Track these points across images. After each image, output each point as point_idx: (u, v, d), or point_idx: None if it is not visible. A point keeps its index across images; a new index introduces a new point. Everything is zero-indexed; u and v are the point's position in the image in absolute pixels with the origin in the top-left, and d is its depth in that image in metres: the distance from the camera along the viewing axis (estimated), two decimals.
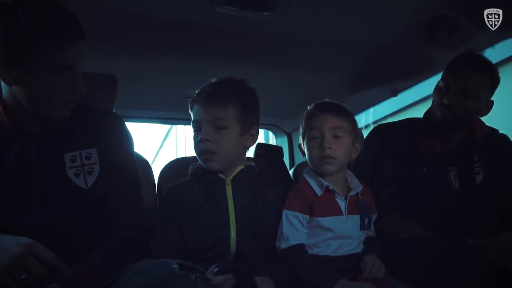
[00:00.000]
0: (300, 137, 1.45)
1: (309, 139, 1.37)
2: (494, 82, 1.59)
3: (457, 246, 1.29)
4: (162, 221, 1.33)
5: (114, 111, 1.76)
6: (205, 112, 1.31)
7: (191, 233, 1.30)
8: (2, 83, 1.14)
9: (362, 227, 1.36)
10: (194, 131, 1.36)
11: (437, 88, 1.64)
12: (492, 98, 1.62)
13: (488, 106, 1.63)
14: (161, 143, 18.34)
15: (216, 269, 1.08)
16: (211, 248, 1.28)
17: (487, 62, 1.59)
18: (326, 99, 1.46)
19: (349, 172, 1.43)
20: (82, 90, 1.15)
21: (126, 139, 1.33)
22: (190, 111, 1.37)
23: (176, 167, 1.69)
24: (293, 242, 1.29)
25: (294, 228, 1.31)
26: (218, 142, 1.30)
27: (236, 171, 1.38)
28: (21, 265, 0.92)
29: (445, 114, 1.58)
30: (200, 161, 1.37)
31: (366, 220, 1.37)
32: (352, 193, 1.37)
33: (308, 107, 1.44)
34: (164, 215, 1.34)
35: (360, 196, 1.40)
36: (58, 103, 1.14)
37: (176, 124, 2.75)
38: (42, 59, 1.06)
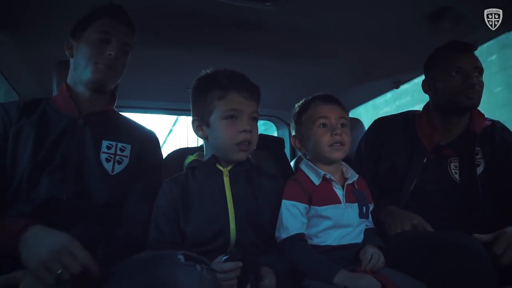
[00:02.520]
0: (297, 128, 1.47)
1: (317, 127, 1.39)
2: None
3: (458, 239, 1.30)
4: (159, 217, 1.32)
5: (116, 101, 1.77)
6: (248, 104, 1.32)
7: (190, 227, 1.29)
8: (71, 68, 1.39)
9: (361, 215, 1.37)
10: (226, 118, 1.31)
11: (449, 77, 1.63)
12: None
13: None
14: (168, 133, 18.51)
15: (226, 257, 1.09)
16: (212, 240, 1.28)
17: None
18: (319, 92, 1.49)
19: (344, 163, 1.46)
20: (113, 55, 1.32)
21: (157, 151, 1.52)
22: (216, 97, 1.32)
23: (177, 157, 1.69)
24: (293, 231, 1.30)
25: (293, 218, 1.32)
26: (254, 134, 1.34)
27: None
28: (58, 260, 0.97)
29: (473, 95, 1.60)
30: (229, 150, 1.32)
31: (364, 208, 1.39)
32: (349, 182, 1.40)
33: (304, 100, 1.48)
34: (161, 210, 1.33)
35: (356, 186, 1.42)
36: (97, 66, 1.32)
37: (179, 114, 2.75)
38: (86, 33, 1.33)
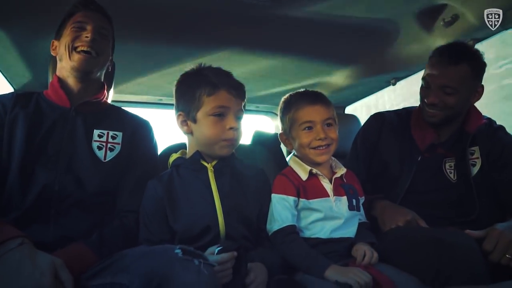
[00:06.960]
0: (283, 127, 1.47)
1: (302, 130, 1.39)
2: (477, 69, 1.56)
3: (451, 235, 1.30)
4: (147, 215, 1.31)
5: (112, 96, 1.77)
6: (235, 102, 1.34)
7: (179, 224, 1.28)
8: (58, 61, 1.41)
9: (351, 207, 1.38)
10: (214, 115, 1.32)
11: (421, 85, 1.63)
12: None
13: (478, 92, 1.61)
14: None
15: (219, 248, 1.10)
16: (201, 236, 1.27)
17: (465, 51, 1.56)
18: (315, 88, 1.47)
19: (333, 158, 1.45)
20: (89, 38, 1.34)
21: (150, 139, 1.50)
22: (205, 93, 1.33)
23: (162, 157, 1.65)
24: (284, 223, 1.31)
25: (284, 210, 1.33)
26: (239, 131, 1.36)
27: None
28: None
29: (431, 113, 1.59)
30: (215, 146, 1.34)
31: (354, 201, 1.39)
32: (337, 175, 1.40)
33: (288, 97, 1.47)
34: (148, 209, 1.32)
35: (344, 179, 1.42)
36: (76, 55, 1.34)
37: (169, 108, 2.72)
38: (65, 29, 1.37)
